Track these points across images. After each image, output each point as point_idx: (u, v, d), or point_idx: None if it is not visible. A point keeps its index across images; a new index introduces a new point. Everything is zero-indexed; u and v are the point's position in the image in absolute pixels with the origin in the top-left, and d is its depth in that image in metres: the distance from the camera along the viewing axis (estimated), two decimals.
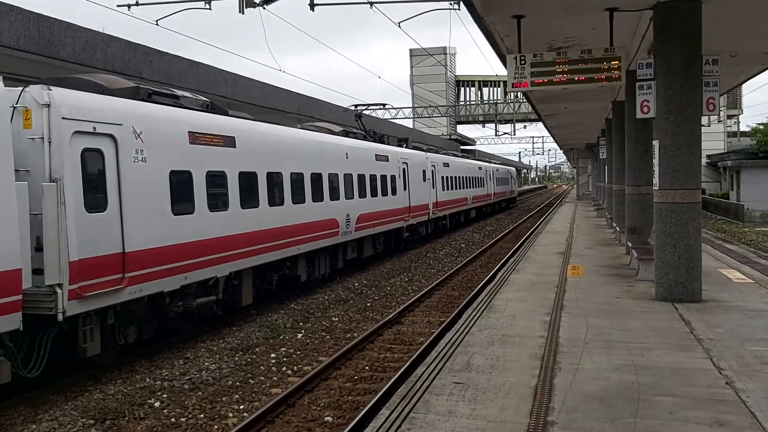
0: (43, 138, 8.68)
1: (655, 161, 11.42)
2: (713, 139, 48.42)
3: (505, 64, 12.16)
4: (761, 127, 44.11)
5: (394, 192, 22.86)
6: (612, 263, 16.49)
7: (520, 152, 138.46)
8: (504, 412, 6.32)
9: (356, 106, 26.39)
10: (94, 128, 9.43)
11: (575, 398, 6.62)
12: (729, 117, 56.40)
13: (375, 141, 23.38)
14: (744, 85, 45.21)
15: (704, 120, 22.86)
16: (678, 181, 11.13)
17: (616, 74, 11.28)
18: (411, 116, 63.40)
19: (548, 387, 6.96)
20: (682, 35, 10.89)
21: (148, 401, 8.95)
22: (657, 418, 6.06)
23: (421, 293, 16.06)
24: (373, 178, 20.75)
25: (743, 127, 59.83)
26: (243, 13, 17.26)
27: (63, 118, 8.88)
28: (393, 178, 22.91)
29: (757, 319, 9.75)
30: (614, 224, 22.66)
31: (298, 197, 15.42)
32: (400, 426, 6.01)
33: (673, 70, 10.97)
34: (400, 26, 21.46)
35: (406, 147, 27.32)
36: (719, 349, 8.28)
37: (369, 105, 27.45)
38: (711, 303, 11.10)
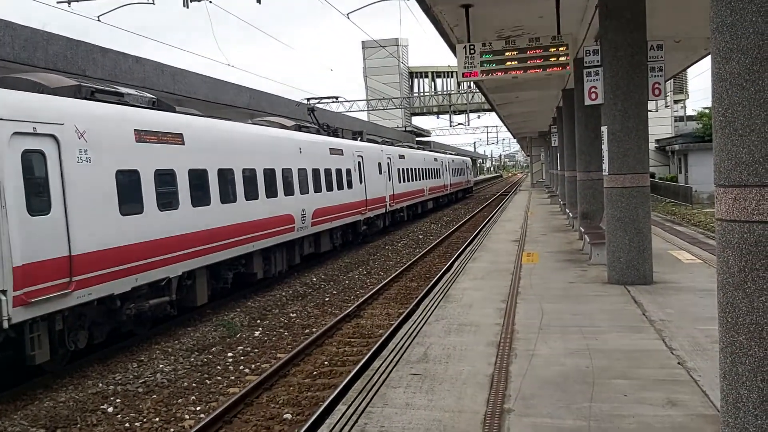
0: None
1: (604, 147, 11.59)
2: (661, 124, 49.55)
3: (455, 54, 12.17)
4: (707, 111, 45.28)
5: (350, 186, 22.76)
6: (566, 249, 16.71)
7: (474, 142, 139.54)
8: (461, 401, 6.32)
9: (309, 99, 26.18)
10: (35, 129, 9.11)
11: (531, 385, 6.66)
12: (675, 102, 57.76)
13: (329, 135, 23.23)
14: (689, 70, 46.30)
15: (651, 105, 23.36)
16: (627, 165, 11.31)
17: (564, 62, 11.39)
18: (365, 109, 63.31)
19: (504, 374, 7.00)
20: (627, 21, 11.05)
21: (101, 407, 8.72)
22: (612, 401, 6.14)
23: (380, 286, 16.04)
24: (328, 172, 20.62)
25: (690, 112, 61.41)
26: (188, 7, 16.91)
27: (1, 119, 8.56)
28: (348, 171, 22.81)
29: (706, 299, 9.98)
30: (567, 210, 22.99)
31: (251, 194, 15.21)
32: (356, 421, 5.95)
33: (619, 56, 11.13)
34: (348, 17, 21.32)
35: (360, 140, 27.22)
36: (671, 330, 8.45)
37: (322, 98, 27.26)
38: (662, 284, 11.33)
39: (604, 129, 11.56)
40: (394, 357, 7.87)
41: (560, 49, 11.30)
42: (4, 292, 8.34)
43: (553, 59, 11.32)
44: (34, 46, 17.60)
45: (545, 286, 11.83)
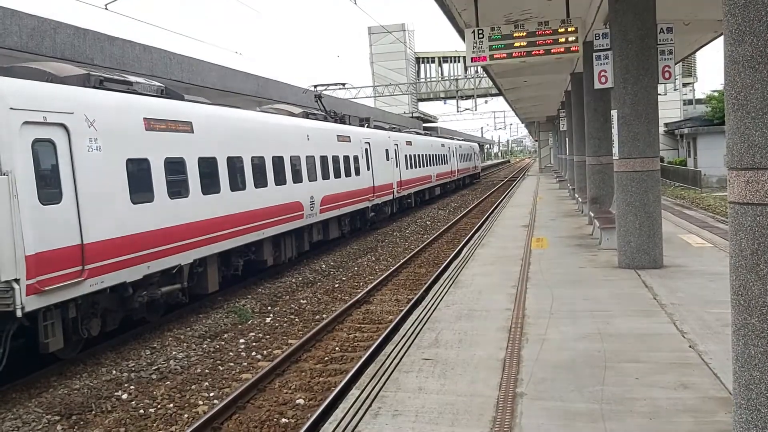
0: None
1: (614, 131, 11.54)
2: (670, 108, 49.22)
3: (463, 39, 12.11)
4: (716, 94, 44.92)
5: (357, 172, 22.75)
6: (575, 234, 16.69)
7: (482, 128, 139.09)
8: (473, 385, 6.36)
9: (316, 86, 26.12)
10: (45, 118, 9.14)
11: (543, 369, 6.69)
12: (684, 85, 57.35)
13: (336, 122, 23.20)
14: (698, 53, 45.94)
15: (660, 88, 23.18)
16: (637, 149, 11.27)
17: (573, 46, 11.33)
18: (372, 95, 63.11)
19: (516, 359, 7.03)
20: (636, 4, 10.97)
21: (115, 394, 8.81)
22: (624, 385, 6.16)
23: (389, 272, 16.08)
24: (335, 159, 20.61)
25: (698, 95, 60.95)
26: None
27: (11, 108, 8.58)
28: (356, 158, 22.79)
29: (716, 282, 9.97)
30: (576, 195, 22.92)
31: (260, 181, 15.24)
32: (370, 405, 6.00)
33: (628, 39, 11.06)
34: (356, 3, 21.20)
35: (368, 127, 27.17)
36: (681, 314, 8.45)
37: (329, 85, 27.20)
38: (672, 268, 11.32)
39: (614, 113, 11.50)
40: (406, 342, 7.92)
41: (569, 32, 11.23)
42: (17, 280, 8.40)
43: (562, 42, 11.25)
44: (42, 34, 17.61)
45: (555, 271, 11.83)
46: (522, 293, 10.17)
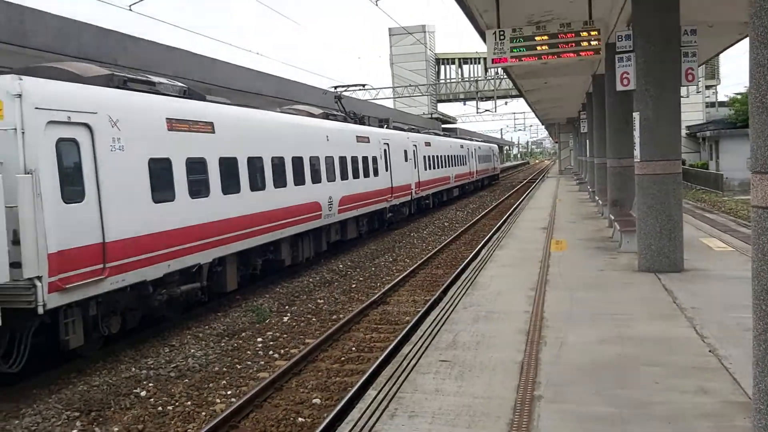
0: (16, 129, 8.49)
1: (636, 133, 11.45)
2: (692, 110, 48.67)
3: (484, 40, 12.09)
4: (739, 96, 44.38)
5: (376, 173, 22.78)
6: (595, 236, 16.58)
7: (501, 129, 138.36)
8: (491, 388, 6.34)
9: (336, 87, 26.19)
10: (69, 117, 9.26)
11: (561, 372, 6.65)
12: (707, 87, 56.70)
13: (355, 122, 23.24)
14: (721, 55, 45.40)
15: (683, 91, 22.96)
16: (658, 152, 11.17)
17: (595, 47, 11.25)
18: (391, 96, 63.13)
19: (534, 362, 7.00)
20: (660, 6, 10.88)
21: (134, 391, 8.89)
22: (643, 389, 6.11)
23: (406, 273, 16.07)
24: (354, 159, 20.65)
25: (721, 98, 60.24)
26: None
27: (36, 108, 8.70)
28: (374, 159, 22.82)
29: (738, 287, 9.84)
30: (596, 197, 22.77)
31: (279, 181, 15.31)
32: (387, 406, 6.01)
33: (652, 41, 10.97)
34: (377, 5, 21.23)
35: (387, 127, 27.19)
36: (702, 318, 8.36)
37: (348, 86, 27.24)
38: (693, 272, 11.20)
39: (636, 115, 11.41)
40: (423, 343, 7.91)
41: (592, 34, 11.16)
42: (39, 278, 8.51)
43: (584, 44, 11.18)
44: (67, 35, 17.84)
45: (574, 273, 11.76)
46: (541, 295, 10.12)
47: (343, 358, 9.96)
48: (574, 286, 10.65)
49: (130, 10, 18.39)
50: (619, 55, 11.61)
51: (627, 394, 5.99)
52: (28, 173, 8.51)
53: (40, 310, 8.52)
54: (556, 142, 76.66)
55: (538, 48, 11.53)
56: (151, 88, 11.79)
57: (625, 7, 12.80)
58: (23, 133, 8.52)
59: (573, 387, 6.23)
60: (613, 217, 15.98)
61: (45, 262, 8.57)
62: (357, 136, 21.43)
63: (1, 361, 8.37)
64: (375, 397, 6.25)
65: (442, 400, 6.09)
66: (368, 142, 22.39)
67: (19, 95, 8.52)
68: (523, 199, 33.23)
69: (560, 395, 6.06)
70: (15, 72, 9.03)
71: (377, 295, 13.68)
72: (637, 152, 11.48)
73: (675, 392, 5.99)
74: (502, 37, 11.70)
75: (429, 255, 18.70)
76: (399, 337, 10.31)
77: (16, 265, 8.31)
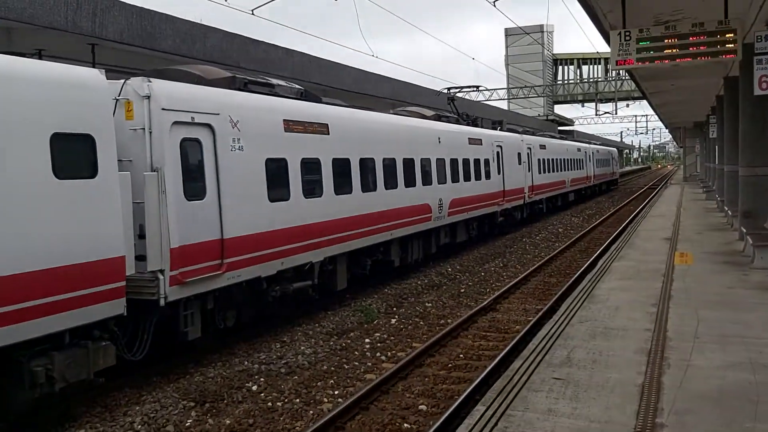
0: (144, 129, 8.92)
1: None
2: None
3: (608, 41, 11.55)
4: None
5: (487, 176, 22.40)
6: (724, 250, 15.52)
7: (621, 132, 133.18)
8: (608, 411, 5.98)
9: (449, 89, 25.99)
10: (193, 118, 9.63)
11: (686, 398, 6.19)
12: None
13: (468, 124, 22.96)
14: None
15: None
16: None
17: (731, 49, 10.45)
18: (506, 97, 62.13)
19: (656, 385, 6.55)
20: None
21: (246, 385, 9.12)
22: None
23: (517, 279, 15.68)
24: (465, 162, 20.40)
25: None
26: (337, 0, 17.24)
27: (163, 109, 9.10)
28: (486, 161, 22.45)
29: None
30: (726, 208, 21.39)
31: (390, 183, 15.34)
32: (496, 424, 5.80)
33: None
34: (495, 5, 20.85)
35: (500, 129, 26.71)
36: None
37: (462, 88, 26.95)
38: None
39: None
40: (535, 358, 7.61)
41: (727, 35, 10.37)
42: (162, 271, 8.90)
43: (718, 46, 10.41)
44: (193, 38, 18.71)
45: (701, 290, 11.01)
46: (663, 313, 9.52)
47: (450, 365, 9.80)
48: (700, 304, 9.96)
49: (252, 14, 19.01)
50: (758, 56, 10.77)
51: (761, 428, 5.49)
52: (154, 171, 8.91)
53: (162, 302, 8.90)
54: (681, 147, 72.74)
55: (667, 50, 10.84)
56: (270, 90, 12.10)
57: (766, 5, 11.84)
58: (150, 132, 8.94)
59: (700, 416, 5.77)
60: (745, 230, 14.88)
61: (167, 257, 8.94)
62: (469, 138, 21.15)
63: (126, 349, 8.80)
64: (483, 413, 6.05)
65: (555, 422, 5.81)
66: (480, 144, 22.06)
67: (148, 96, 8.94)
68: (644, 207, 31.73)
69: (685, 424, 5.62)
70: (145, 74, 9.49)
71: (487, 302, 13.40)
72: None
73: None
74: (627, 38, 11.11)
75: (541, 262, 18.17)
76: (508, 347, 10.02)
77: (141, 258, 8.73)
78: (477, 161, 21.44)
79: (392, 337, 11.40)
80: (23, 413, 7.64)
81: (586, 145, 46.71)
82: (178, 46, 17.88)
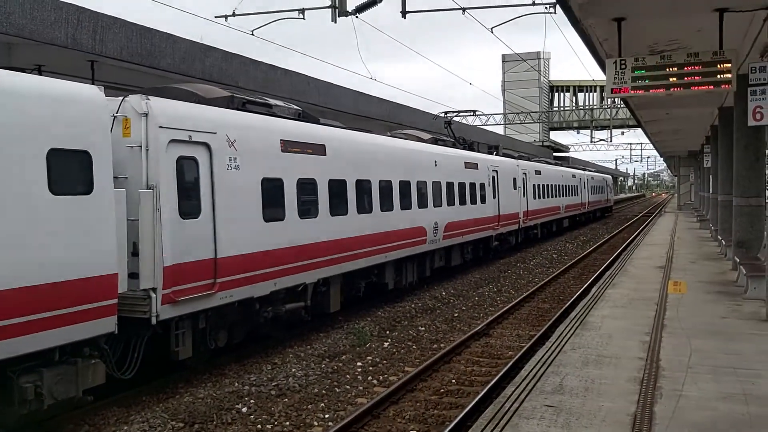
0: (140, 146, 8.93)
1: None
2: None
3: (603, 69, 11.63)
4: None
5: (483, 200, 22.46)
6: (717, 279, 15.53)
7: (616, 159, 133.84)
8: None
9: (446, 113, 26.15)
10: (190, 137, 9.65)
11: (678, 429, 6.16)
12: None
13: (464, 148, 23.05)
14: None
15: None
16: None
17: (726, 79, 10.55)
18: (502, 123, 62.44)
19: (648, 415, 6.51)
20: None
21: (236, 406, 9.03)
22: None
23: (511, 305, 15.64)
24: (461, 185, 20.45)
25: None
26: (335, 22, 17.38)
27: (160, 126, 9.12)
28: (482, 185, 22.52)
29: None
30: (719, 237, 21.42)
31: (386, 205, 15.35)
32: None
33: None
34: (492, 31, 21.04)
35: (496, 154, 26.83)
36: None
37: (459, 112, 27.13)
38: None
39: None
40: (527, 385, 7.57)
41: (722, 66, 10.48)
42: (154, 289, 8.85)
43: (713, 76, 10.51)
44: (192, 57, 18.78)
45: (694, 319, 11.00)
46: (656, 341, 9.50)
47: (442, 390, 9.73)
48: (693, 334, 9.94)
49: (252, 34, 19.14)
50: (752, 87, 10.87)
51: None
52: (150, 188, 8.91)
53: (153, 321, 8.85)
54: (676, 176, 73.14)
55: (662, 79, 10.93)
56: (268, 110, 12.14)
57: (760, 37, 11.98)
58: (147, 150, 8.95)
59: None
60: (738, 260, 14.90)
61: (160, 275, 8.91)
62: (465, 162, 21.23)
63: (116, 368, 8.72)
64: None
65: None
66: (476, 168, 22.14)
67: (146, 114, 8.97)
68: (637, 234, 31.80)
69: None
70: (143, 92, 9.52)
71: (480, 327, 13.35)
72: None
73: None
74: (623, 67, 11.20)
75: (535, 288, 18.15)
76: (501, 373, 9.97)
77: (133, 275, 8.69)
78: (473, 185, 21.50)
79: (384, 361, 11.33)
80: (11, 430, 7.54)
81: (581, 171, 46.94)
82: (177, 65, 17.96)
